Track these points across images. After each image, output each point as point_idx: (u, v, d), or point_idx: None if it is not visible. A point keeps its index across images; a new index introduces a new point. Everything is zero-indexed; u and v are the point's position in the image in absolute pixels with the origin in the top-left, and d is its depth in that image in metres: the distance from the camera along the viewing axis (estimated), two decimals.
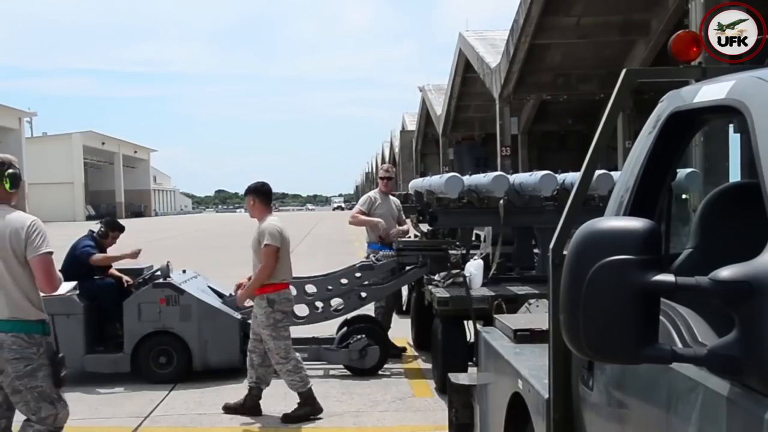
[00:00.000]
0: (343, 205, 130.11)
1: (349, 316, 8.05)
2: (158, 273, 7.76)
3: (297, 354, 6.51)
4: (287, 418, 6.25)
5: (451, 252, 7.93)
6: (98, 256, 7.78)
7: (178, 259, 8.92)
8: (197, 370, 7.49)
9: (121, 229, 8.29)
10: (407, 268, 8.01)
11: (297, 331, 8.22)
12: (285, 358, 6.36)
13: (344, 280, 8.02)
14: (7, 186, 4.37)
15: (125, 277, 7.87)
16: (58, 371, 4.29)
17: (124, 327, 7.54)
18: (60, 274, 4.48)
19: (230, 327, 7.50)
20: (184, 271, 8.21)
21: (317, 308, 8.00)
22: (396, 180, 27.34)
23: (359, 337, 7.57)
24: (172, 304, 7.48)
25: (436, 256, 7.80)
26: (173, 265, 7.89)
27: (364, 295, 7.97)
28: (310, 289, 8.02)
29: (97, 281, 7.77)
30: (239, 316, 7.54)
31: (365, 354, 7.50)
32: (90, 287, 7.67)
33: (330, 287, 8.02)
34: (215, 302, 7.78)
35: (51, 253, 4.28)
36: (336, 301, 8.04)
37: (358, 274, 8.02)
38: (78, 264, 7.67)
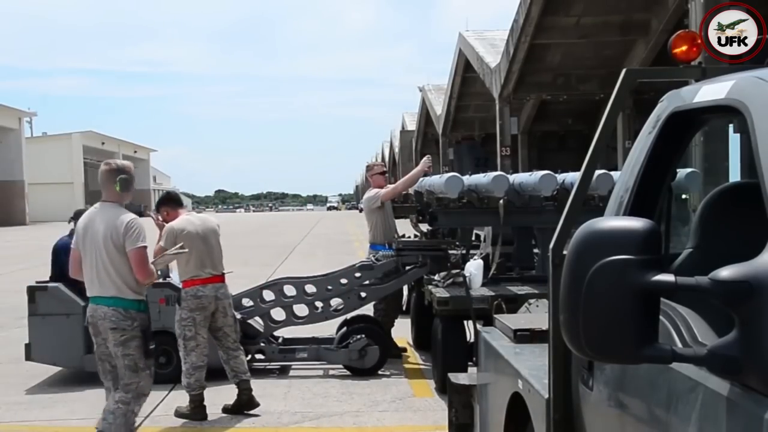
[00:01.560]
0: (336, 204, 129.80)
1: (349, 316, 8.04)
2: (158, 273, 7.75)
3: (199, 358, 6.43)
4: (178, 413, 6.34)
5: (451, 252, 7.93)
6: None
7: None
8: None
9: None
10: (407, 268, 8.01)
11: (297, 331, 8.25)
12: (185, 357, 6.45)
13: (344, 280, 8.01)
14: (118, 188, 5.16)
15: None
16: (147, 344, 5.10)
17: None
18: (152, 266, 5.24)
19: (231, 325, 7.49)
20: None
21: (317, 308, 8.00)
22: (396, 179, 27.30)
23: (359, 337, 7.58)
24: (172, 304, 7.44)
25: (436, 256, 7.80)
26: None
27: (363, 295, 7.97)
28: (310, 289, 8.02)
29: None
30: (239, 316, 7.53)
31: (365, 354, 7.51)
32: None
33: (330, 287, 8.02)
34: None
35: (145, 247, 5.08)
36: (336, 301, 8.03)
37: (357, 274, 8.01)
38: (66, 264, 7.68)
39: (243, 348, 6.94)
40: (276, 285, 8.10)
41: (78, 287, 7.58)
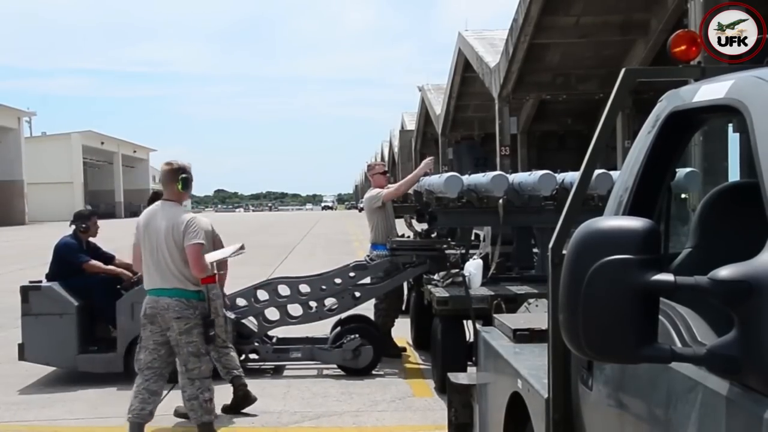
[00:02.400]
0: (332, 204, 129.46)
1: (343, 316, 8.03)
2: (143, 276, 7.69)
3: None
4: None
5: (449, 252, 7.92)
6: (93, 264, 7.77)
7: None
8: None
9: (93, 213, 8.28)
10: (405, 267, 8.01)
11: (291, 331, 8.22)
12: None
13: (338, 280, 8.01)
14: (179, 187, 5.52)
15: (127, 273, 7.80)
16: (208, 331, 5.46)
17: (117, 327, 7.50)
18: (207, 262, 5.56)
19: (221, 326, 7.45)
20: None
21: (311, 308, 7.99)
22: (396, 179, 27.33)
23: (353, 336, 7.56)
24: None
25: (431, 256, 7.79)
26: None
27: (358, 294, 7.95)
28: (304, 288, 8.01)
29: (89, 280, 7.72)
30: (232, 315, 7.53)
31: (359, 354, 7.49)
32: (82, 286, 7.64)
33: (324, 287, 8.01)
34: None
35: (201, 244, 5.45)
36: (330, 301, 8.03)
37: (352, 274, 8.00)
38: (67, 264, 7.68)
39: (237, 348, 6.99)
40: (270, 285, 8.08)
41: (74, 287, 7.57)
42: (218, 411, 6.44)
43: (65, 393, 7.16)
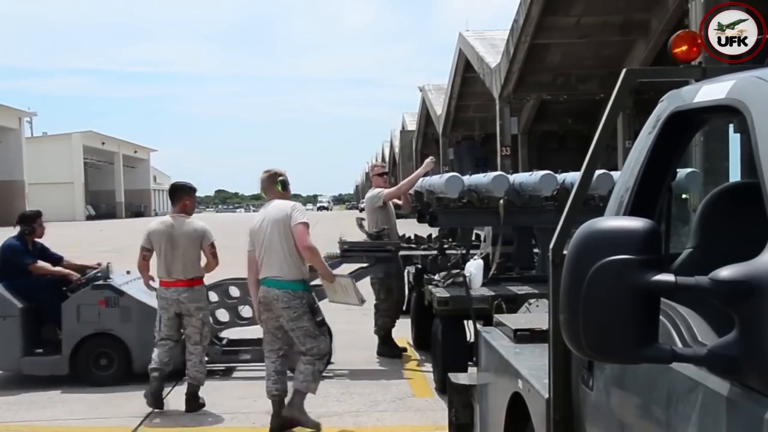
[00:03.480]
0: (327, 204, 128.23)
1: None
2: (99, 274, 7.62)
3: (162, 354, 6.65)
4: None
5: (449, 252, 7.91)
6: (40, 265, 7.66)
7: None
8: (137, 372, 7.32)
9: (38, 214, 8.10)
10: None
11: (243, 333, 8.18)
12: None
13: None
14: (279, 188, 6.13)
15: (74, 274, 7.72)
16: (316, 316, 5.92)
17: (63, 329, 7.44)
18: (312, 241, 5.97)
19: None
20: (128, 272, 8.11)
21: None
22: (396, 179, 27.38)
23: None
24: (112, 305, 7.39)
25: (381, 257, 7.75)
26: (114, 267, 7.81)
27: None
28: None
29: (35, 282, 7.60)
30: None
31: None
32: (27, 288, 7.54)
33: None
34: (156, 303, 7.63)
35: (307, 224, 5.92)
36: None
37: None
38: (13, 265, 7.61)
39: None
40: (220, 286, 8.00)
41: (19, 289, 7.45)
42: (219, 411, 6.46)
43: (66, 393, 7.17)
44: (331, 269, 6.55)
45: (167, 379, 6.82)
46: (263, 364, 7.60)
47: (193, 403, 6.58)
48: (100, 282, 7.54)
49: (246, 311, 7.99)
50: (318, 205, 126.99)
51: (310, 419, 5.93)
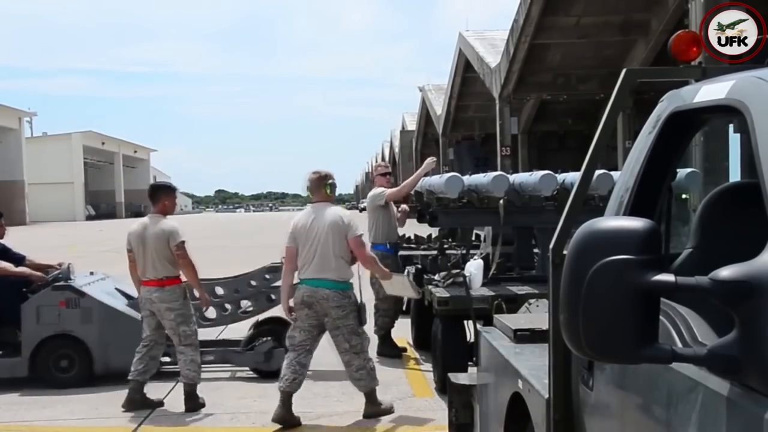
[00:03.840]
0: None
1: (261, 317, 7.91)
2: (60, 275, 7.53)
3: (144, 350, 6.72)
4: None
5: (449, 252, 7.90)
6: (2, 266, 7.50)
7: None
8: (98, 374, 7.31)
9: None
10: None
11: (206, 333, 7.95)
12: None
13: (253, 282, 7.94)
14: (327, 191, 6.25)
15: (36, 274, 7.61)
16: (360, 314, 6.16)
17: (23, 331, 7.35)
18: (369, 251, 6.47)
19: (133, 329, 7.28)
20: (91, 273, 8.07)
21: (225, 310, 7.92)
22: (396, 179, 27.45)
23: (265, 339, 7.50)
24: (73, 306, 7.31)
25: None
26: (75, 268, 7.75)
27: (273, 297, 7.86)
28: (218, 290, 7.91)
29: None
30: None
31: (271, 356, 7.40)
32: None
33: (238, 289, 7.95)
34: (119, 305, 7.61)
35: (361, 235, 6.19)
36: (245, 303, 7.97)
37: (267, 276, 7.92)
38: None
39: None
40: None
41: None
42: (219, 411, 6.47)
43: (66, 393, 7.16)
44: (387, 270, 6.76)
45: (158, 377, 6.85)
46: (228, 365, 7.59)
47: (191, 402, 6.58)
48: (61, 283, 7.43)
49: (210, 312, 7.91)
50: None
51: (385, 407, 6.26)
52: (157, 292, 6.64)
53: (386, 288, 7.12)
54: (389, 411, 6.26)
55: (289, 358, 6.16)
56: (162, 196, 6.87)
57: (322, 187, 6.24)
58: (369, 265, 6.40)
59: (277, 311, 8.06)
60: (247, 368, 7.67)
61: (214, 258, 21.27)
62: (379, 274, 6.69)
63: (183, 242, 6.66)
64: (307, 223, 6.15)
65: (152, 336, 6.76)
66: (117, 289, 8.04)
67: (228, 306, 7.92)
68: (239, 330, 8.30)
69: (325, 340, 6.44)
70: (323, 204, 6.22)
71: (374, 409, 6.21)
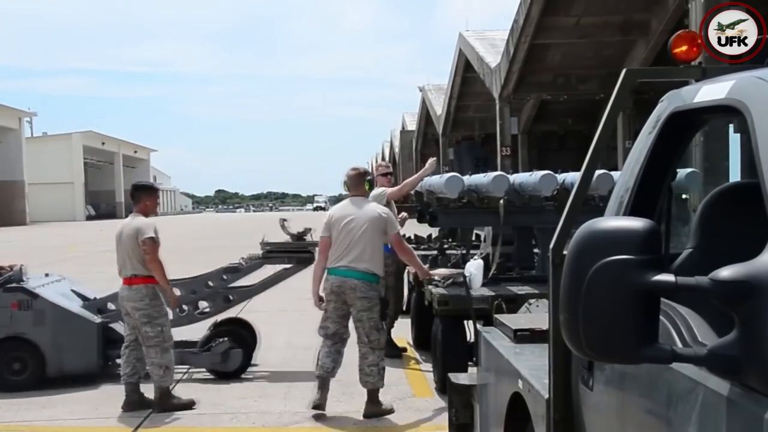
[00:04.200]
0: (324, 205, 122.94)
1: (219, 318, 7.87)
2: (12, 277, 7.42)
3: (125, 350, 6.72)
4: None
5: (449, 252, 7.90)
6: None
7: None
8: (51, 376, 7.26)
9: None
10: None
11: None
12: None
13: (211, 283, 7.85)
14: (367, 187, 6.54)
15: None
16: (383, 309, 6.41)
17: None
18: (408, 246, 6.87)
19: (87, 332, 7.29)
20: (47, 275, 8.00)
21: (183, 311, 7.79)
22: (396, 179, 27.40)
23: (221, 340, 7.48)
24: (25, 308, 7.22)
25: (303, 258, 7.69)
26: (27, 269, 7.68)
27: (231, 297, 7.86)
28: (175, 292, 7.61)
29: None
30: (98, 320, 7.39)
31: (227, 357, 7.42)
32: None
33: (195, 290, 7.83)
34: (73, 306, 7.52)
35: (399, 232, 6.49)
36: (202, 304, 7.88)
37: (224, 276, 7.85)
38: None
39: (105, 353, 7.22)
40: None
41: None
42: (219, 411, 6.46)
43: (65, 393, 7.16)
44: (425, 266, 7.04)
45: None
46: (182, 366, 7.50)
47: (160, 404, 6.50)
48: (13, 284, 7.33)
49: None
50: (314, 205, 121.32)
51: (385, 408, 6.34)
52: (126, 291, 6.62)
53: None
54: (390, 411, 6.30)
55: (326, 347, 6.36)
56: (143, 196, 6.83)
57: (362, 183, 6.47)
58: (408, 258, 6.70)
59: (234, 312, 8.03)
60: (203, 369, 7.61)
61: (214, 258, 21.25)
62: (418, 270, 6.90)
63: (151, 238, 6.53)
64: (344, 215, 6.32)
65: (131, 336, 6.72)
66: (73, 290, 7.94)
67: (185, 307, 7.79)
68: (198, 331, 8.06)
69: (321, 342, 6.45)
70: (361, 198, 6.45)
71: (375, 409, 6.26)
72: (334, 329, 6.35)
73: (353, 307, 6.23)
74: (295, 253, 7.81)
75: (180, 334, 7.75)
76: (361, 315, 6.23)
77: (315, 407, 6.22)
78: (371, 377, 6.26)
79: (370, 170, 6.90)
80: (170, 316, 7.59)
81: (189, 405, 6.60)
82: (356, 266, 6.19)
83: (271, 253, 7.78)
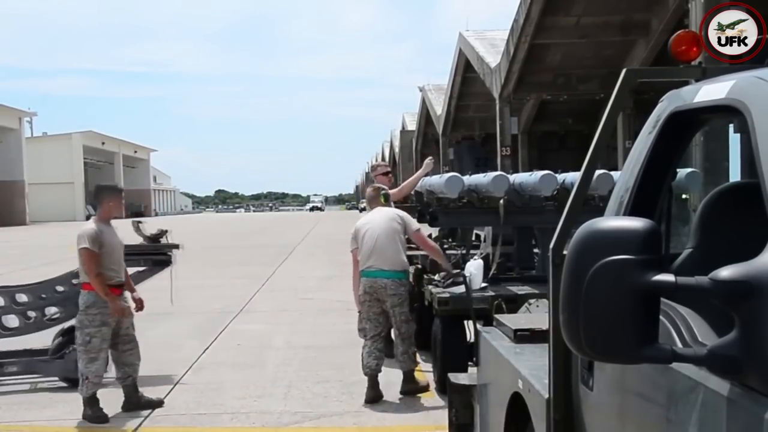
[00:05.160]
0: (320, 205, 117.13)
1: (68, 325, 7.32)
2: None
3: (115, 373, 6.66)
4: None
5: (450, 252, 7.89)
6: None
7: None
8: None
9: None
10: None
11: (7, 344, 7.60)
12: None
13: (60, 287, 7.47)
14: (383, 200, 7.16)
15: None
16: (411, 304, 7.07)
17: None
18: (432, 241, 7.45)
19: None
20: None
21: (29, 318, 7.44)
22: (396, 179, 27.45)
23: (75, 346, 6.84)
24: None
25: (159, 260, 7.56)
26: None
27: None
28: (21, 298, 7.48)
29: None
30: None
31: None
32: None
33: (44, 295, 7.48)
34: None
35: (419, 228, 7.05)
36: (51, 310, 7.48)
37: (75, 281, 7.17)
38: None
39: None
40: (8, 291, 7.48)
41: None
42: (219, 410, 6.46)
43: (66, 393, 7.16)
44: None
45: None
46: (33, 375, 7.35)
47: (83, 411, 6.38)
48: None
49: (12, 320, 7.51)
50: (310, 205, 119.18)
51: (422, 385, 6.96)
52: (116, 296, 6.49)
53: None
54: (425, 388, 6.93)
55: (367, 347, 6.80)
56: (105, 197, 6.62)
57: (378, 197, 7.18)
58: (434, 254, 7.21)
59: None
60: (56, 378, 7.36)
61: (213, 258, 21.31)
62: (444, 265, 7.29)
63: (85, 248, 6.31)
64: (364, 224, 6.96)
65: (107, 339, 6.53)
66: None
67: (32, 314, 7.42)
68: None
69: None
70: (379, 208, 7.09)
71: (412, 387, 6.87)
72: (372, 329, 6.82)
73: (386, 304, 6.76)
74: (150, 255, 7.58)
75: (27, 342, 7.52)
76: (394, 310, 6.76)
77: (368, 402, 6.64)
78: (404, 362, 6.83)
79: (369, 170, 7.00)
80: (17, 323, 7.37)
81: (102, 416, 6.37)
82: (382, 266, 6.74)
83: (126, 255, 7.03)
